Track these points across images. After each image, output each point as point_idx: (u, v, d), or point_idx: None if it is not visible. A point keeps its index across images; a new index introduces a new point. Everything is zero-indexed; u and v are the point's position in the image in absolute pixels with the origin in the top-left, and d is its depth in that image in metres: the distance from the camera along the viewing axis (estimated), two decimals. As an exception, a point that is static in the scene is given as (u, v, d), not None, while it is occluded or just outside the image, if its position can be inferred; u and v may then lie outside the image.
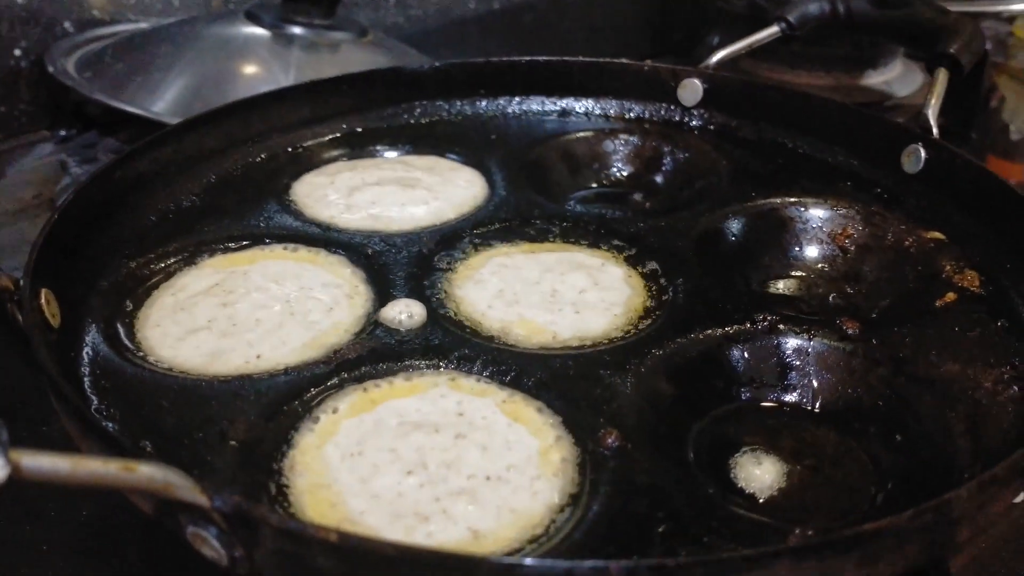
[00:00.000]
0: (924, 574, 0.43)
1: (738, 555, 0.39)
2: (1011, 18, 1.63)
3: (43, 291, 0.55)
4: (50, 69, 1.06)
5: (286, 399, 0.54)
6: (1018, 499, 0.59)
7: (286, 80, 1.04)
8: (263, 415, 0.53)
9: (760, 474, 0.55)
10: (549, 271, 0.68)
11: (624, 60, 0.91)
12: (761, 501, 0.53)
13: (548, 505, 0.48)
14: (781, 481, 0.54)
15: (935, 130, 0.76)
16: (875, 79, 1.32)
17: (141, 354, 0.58)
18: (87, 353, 0.57)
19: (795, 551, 0.39)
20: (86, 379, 0.55)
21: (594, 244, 0.72)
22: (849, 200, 0.75)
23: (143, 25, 1.20)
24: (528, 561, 0.40)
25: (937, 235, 0.71)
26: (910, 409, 0.57)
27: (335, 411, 0.53)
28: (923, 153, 0.75)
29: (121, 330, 0.60)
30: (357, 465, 0.50)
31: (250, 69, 1.06)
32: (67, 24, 1.16)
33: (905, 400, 0.58)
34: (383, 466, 0.49)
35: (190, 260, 0.68)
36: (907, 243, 0.71)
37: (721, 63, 0.90)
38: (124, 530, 0.59)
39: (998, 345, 0.60)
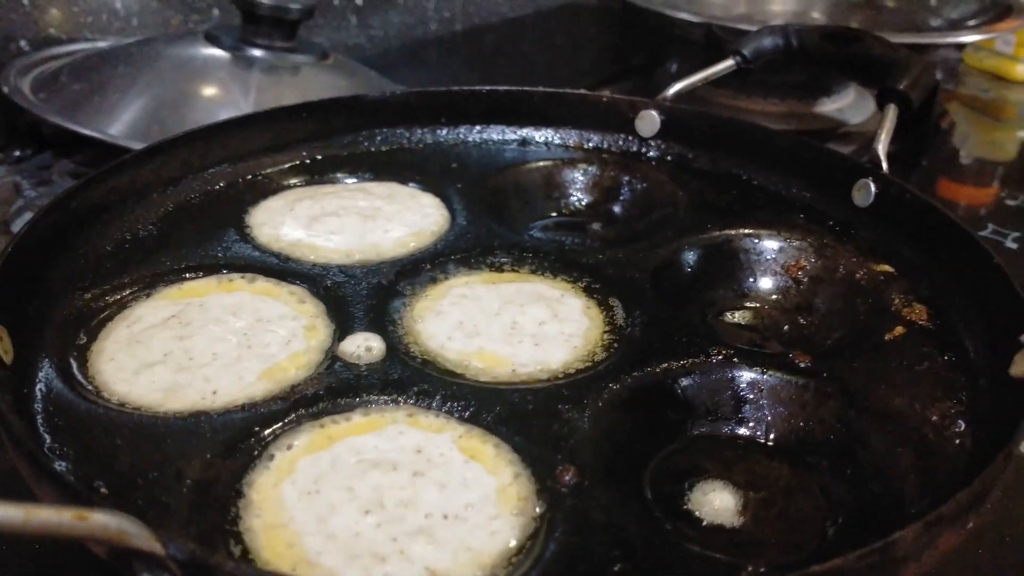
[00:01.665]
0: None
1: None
2: (962, 46, 1.68)
3: (-5, 327, 0.54)
4: (4, 89, 1.05)
5: (243, 436, 0.54)
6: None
7: (246, 103, 1.04)
8: (219, 453, 0.52)
9: (715, 508, 0.56)
10: (509, 302, 0.68)
11: (583, 91, 0.92)
12: (716, 536, 0.54)
13: (506, 544, 0.48)
14: (736, 515, 0.55)
15: (885, 165, 0.78)
16: (828, 107, 1.35)
17: (95, 389, 0.58)
18: (40, 389, 0.56)
19: (746, 593, 0.40)
20: (39, 416, 0.54)
21: (553, 274, 0.73)
22: (802, 232, 0.77)
23: (100, 45, 1.19)
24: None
25: (887, 268, 0.73)
26: (860, 443, 0.59)
27: (292, 448, 0.53)
28: (873, 187, 0.77)
29: (74, 364, 0.59)
30: (314, 504, 0.50)
31: (209, 91, 1.06)
32: (23, 43, 1.15)
33: (855, 434, 0.59)
34: (340, 505, 0.49)
35: (146, 291, 0.67)
36: (858, 276, 0.73)
37: (678, 94, 0.91)
38: (78, 563, 0.58)
39: (945, 379, 0.62)
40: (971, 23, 1.42)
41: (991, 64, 1.65)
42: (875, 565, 0.42)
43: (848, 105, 1.36)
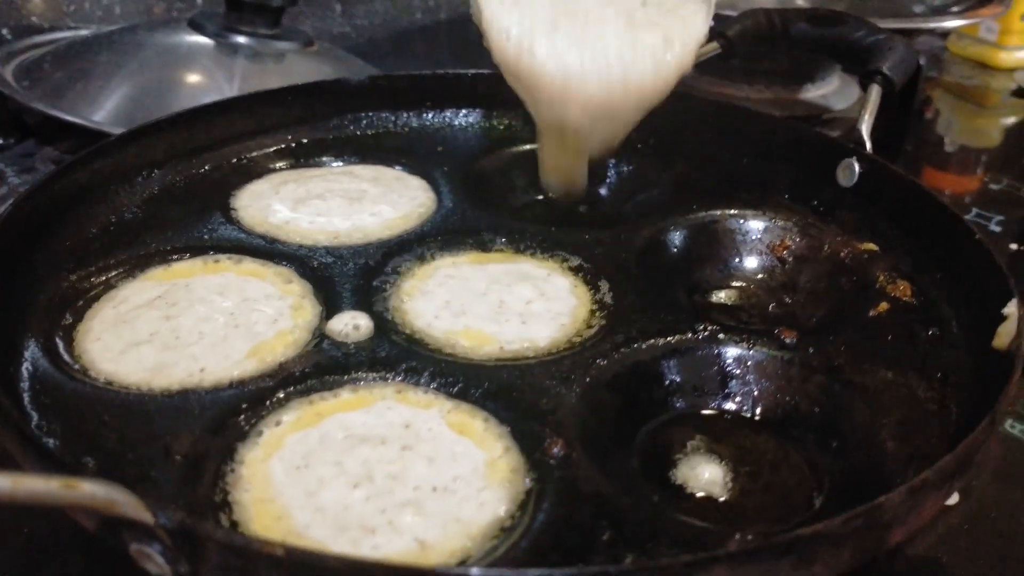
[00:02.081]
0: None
1: (678, 561, 0.40)
2: (945, 34, 1.68)
3: (-19, 307, 0.54)
4: (-14, 77, 1.04)
5: (231, 413, 0.54)
6: (951, 501, 0.61)
7: (230, 90, 1.03)
8: (208, 429, 0.52)
9: (702, 481, 0.56)
10: (496, 282, 0.68)
11: (569, 74, 0.92)
12: (703, 507, 0.54)
13: (494, 515, 0.49)
14: (723, 487, 0.56)
15: (868, 145, 0.79)
16: (813, 93, 1.35)
17: (82, 368, 0.57)
18: (26, 369, 0.56)
19: (733, 556, 0.41)
20: (26, 395, 0.54)
21: (540, 255, 0.73)
22: (787, 212, 0.78)
23: (83, 32, 1.19)
24: (474, 571, 0.41)
25: (871, 246, 0.73)
26: (845, 416, 0.59)
27: (280, 425, 0.53)
28: (857, 167, 0.77)
29: (61, 344, 0.59)
30: (303, 479, 0.50)
31: (193, 78, 1.05)
32: (4, 31, 1.14)
33: (840, 407, 0.60)
34: (329, 479, 0.50)
35: (132, 272, 0.67)
36: (842, 254, 0.73)
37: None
38: (67, 547, 0.58)
39: (928, 354, 0.62)
40: (954, 9, 1.43)
41: (975, 52, 1.66)
42: (860, 529, 0.42)
43: (833, 91, 1.37)
